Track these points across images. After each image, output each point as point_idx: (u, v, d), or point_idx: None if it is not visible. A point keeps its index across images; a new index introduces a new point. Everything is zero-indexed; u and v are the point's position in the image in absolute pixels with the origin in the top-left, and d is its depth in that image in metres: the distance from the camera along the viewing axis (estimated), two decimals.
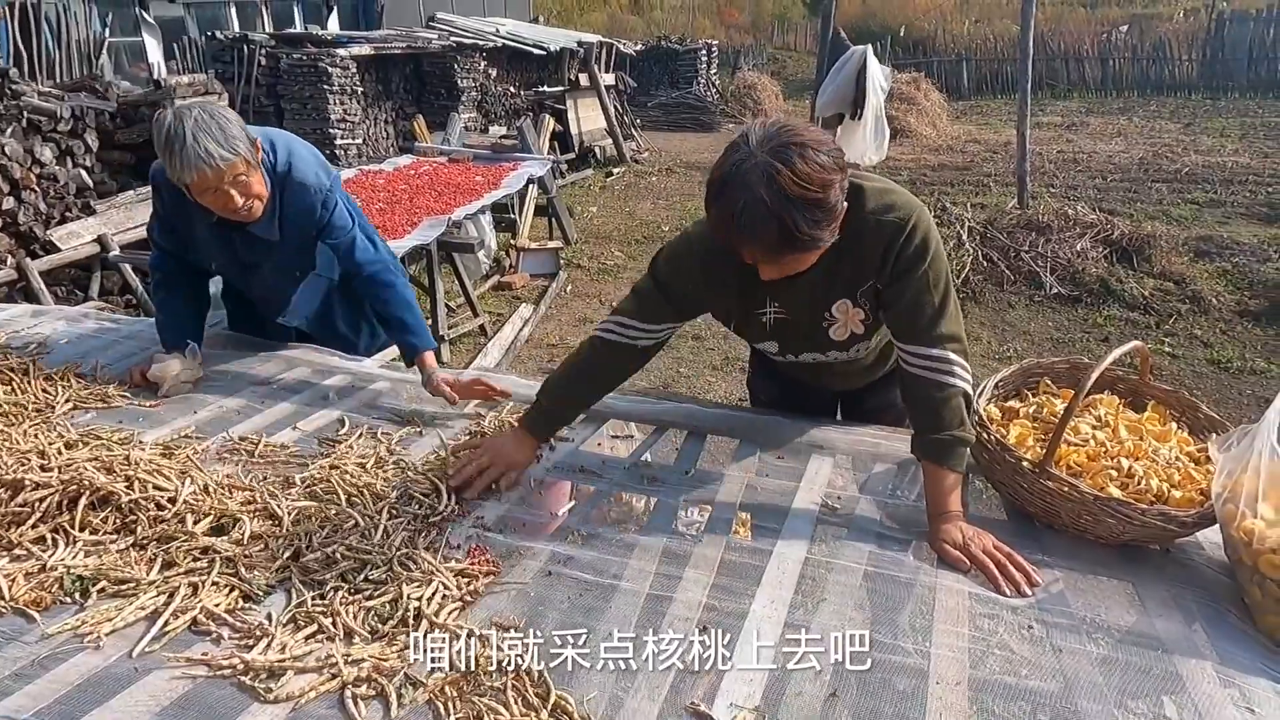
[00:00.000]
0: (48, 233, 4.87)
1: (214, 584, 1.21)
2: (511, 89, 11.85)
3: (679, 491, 1.56)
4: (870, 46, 11.02)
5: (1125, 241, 6.26)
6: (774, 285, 1.48)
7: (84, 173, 5.32)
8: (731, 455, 1.75)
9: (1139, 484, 1.38)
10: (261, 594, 1.22)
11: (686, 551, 1.34)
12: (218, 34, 9.05)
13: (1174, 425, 1.55)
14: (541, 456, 1.68)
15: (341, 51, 8.70)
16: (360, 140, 9.04)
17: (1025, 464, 1.39)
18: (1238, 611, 1.24)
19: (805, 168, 1.25)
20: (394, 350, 2.17)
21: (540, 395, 1.67)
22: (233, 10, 11.33)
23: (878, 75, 10.61)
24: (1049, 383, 1.68)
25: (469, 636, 1.12)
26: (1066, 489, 1.34)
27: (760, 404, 2.06)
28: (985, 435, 1.46)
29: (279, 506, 1.40)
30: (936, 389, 1.45)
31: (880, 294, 1.51)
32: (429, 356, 1.95)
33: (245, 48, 8.62)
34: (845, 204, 1.34)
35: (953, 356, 1.46)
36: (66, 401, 1.80)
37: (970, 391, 1.47)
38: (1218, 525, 1.27)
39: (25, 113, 4.93)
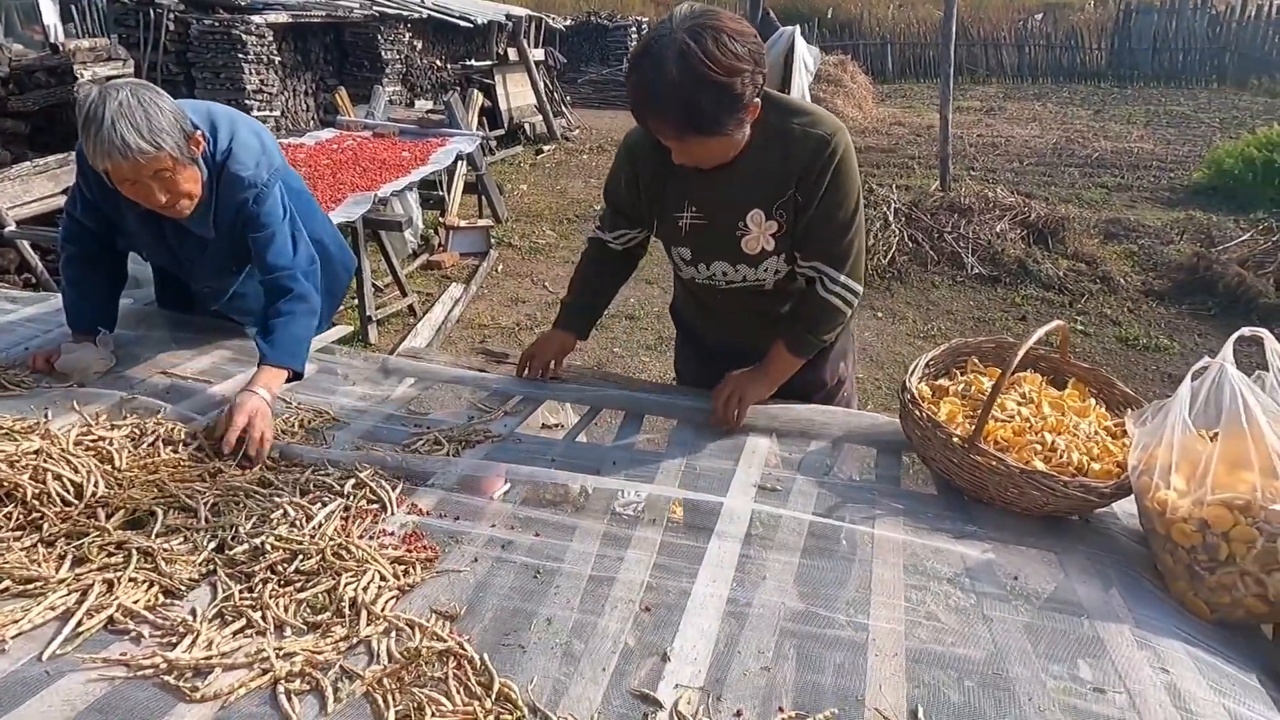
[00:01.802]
0: None
1: (131, 580, 1.15)
2: (438, 62, 11.55)
3: (617, 472, 1.55)
4: (798, 27, 11.12)
5: (1041, 224, 6.50)
6: (692, 188, 1.59)
7: None
8: (667, 436, 1.75)
9: (1061, 458, 1.44)
10: (184, 589, 1.16)
11: (626, 534, 1.34)
12: None
13: (1093, 401, 1.62)
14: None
15: (257, 18, 8.32)
16: (279, 113, 8.69)
17: (955, 440, 1.43)
18: (1152, 578, 1.30)
19: (716, 50, 1.32)
20: (332, 334, 2.07)
21: (562, 300, 1.95)
22: None
23: (805, 56, 10.72)
24: (976, 361, 1.73)
25: (407, 626, 1.09)
26: (994, 463, 1.39)
27: (686, 383, 2.07)
28: (917, 413, 1.50)
29: (196, 500, 1.33)
30: (824, 302, 1.64)
31: (798, 204, 1.57)
32: (271, 373, 1.68)
33: (151, 11, 8.15)
34: (758, 101, 1.42)
35: (849, 283, 1.63)
36: None
37: (845, 311, 1.66)
38: (1133, 496, 1.33)
39: None
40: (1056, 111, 14.39)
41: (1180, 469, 1.24)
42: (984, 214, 6.62)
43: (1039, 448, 1.45)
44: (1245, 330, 1.26)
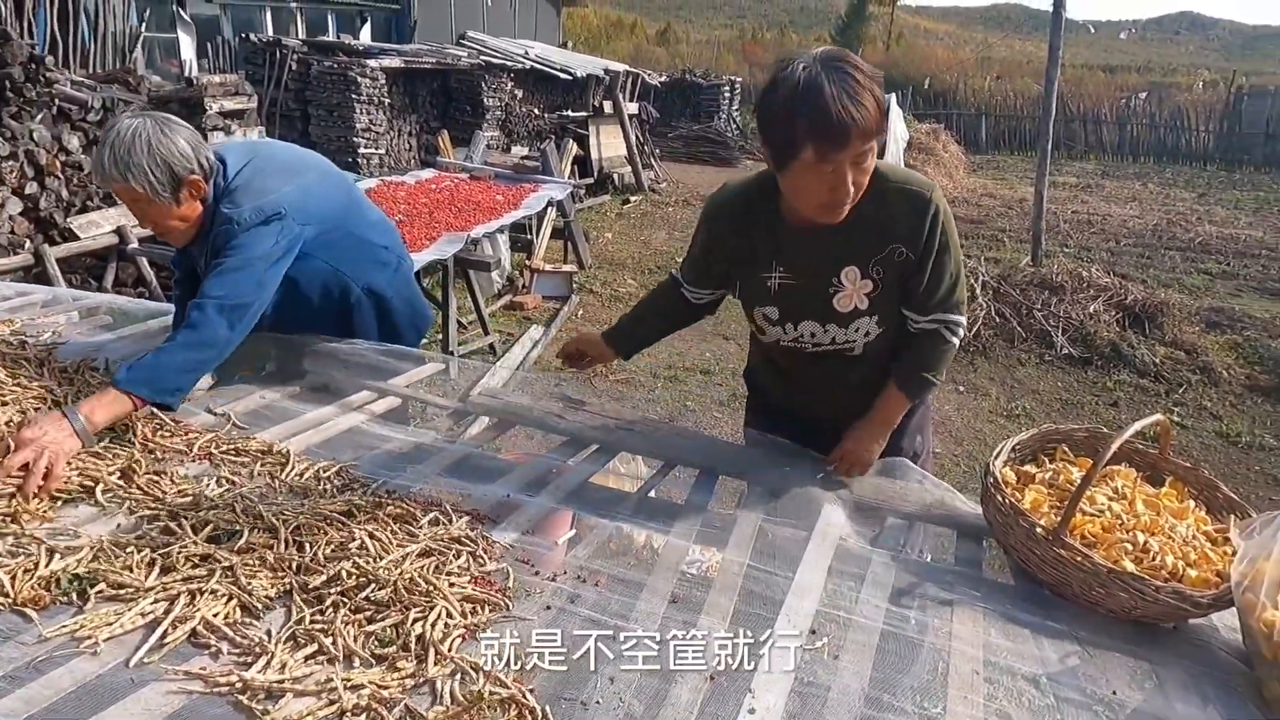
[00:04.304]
0: (68, 220, 4.89)
1: (212, 593, 1.20)
2: (536, 111, 11.97)
3: (688, 532, 1.54)
4: (893, 95, 11.15)
5: (1138, 307, 6.27)
6: (781, 248, 1.61)
7: None
8: (740, 496, 1.73)
9: (1154, 560, 1.36)
10: (261, 607, 1.20)
11: (697, 598, 1.32)
12: (251, 36, 9.18)
13: (1192, 503, 1.53)
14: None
15: (372, 62, 8.82)
16: (383, 151, 9.12)
17: (1039, 530, 1.37)
18: (1257, 702, 1.21)
19: (865, 71, 1.37)
20: (423, 371, 2.13)
21: (624, 315, 2.00)
22: (267, 14, 11.49)
23: (898, 125, 10.71)
24: (1067, 450, 1.67)
25: (473, 669, 1.10)
26: (1080, 559, 1.33)
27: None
28: (999, 499, 1.45)
29: (277, 519, 1.38)
30: (943, 341, 1.68)
31: (907, 262, 1.58)
32: (108, 397, 1.61)
33: (278, 51, 8.74)
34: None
35: (963, 319, 1.69)
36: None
37: (956, 348, 1.72)
38: (1236, 613, 1.25)
39: (57, 100, 4.98)
40: (1158, 192, 13.95)
41: None
42: (1077, 293, 6.42)
43: (1130, 547, 1.37)
44: None
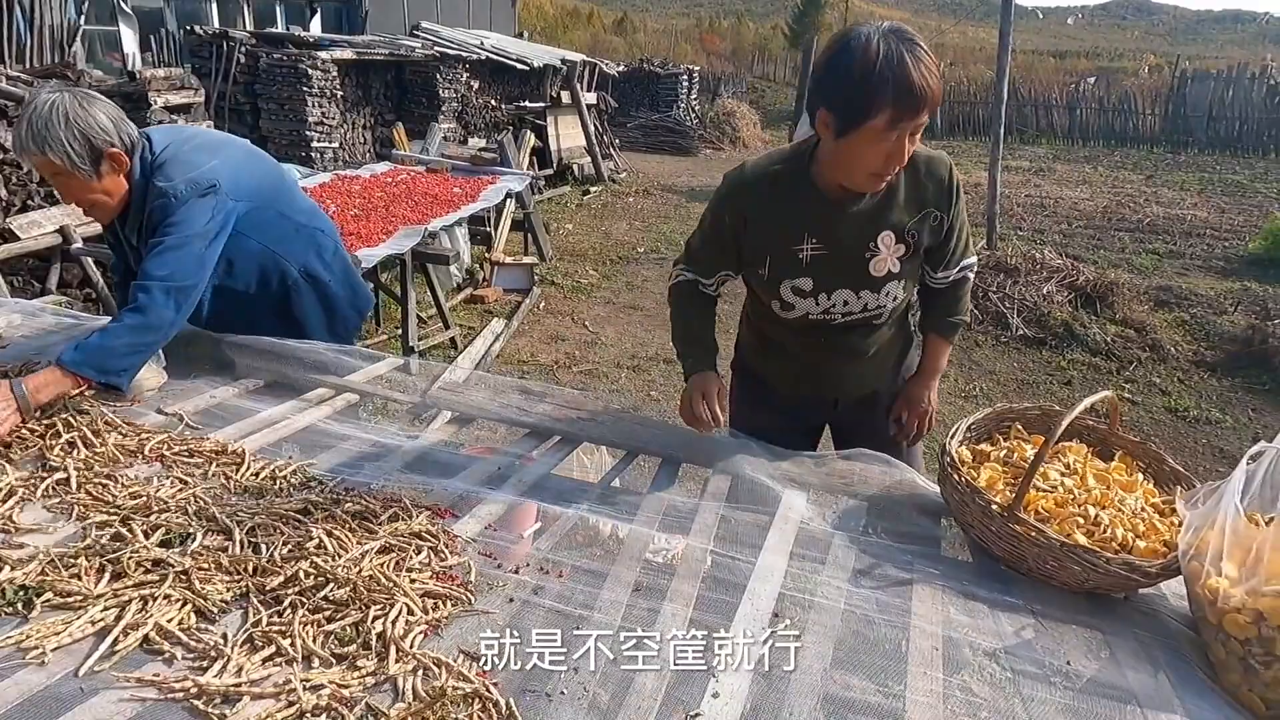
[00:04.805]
0: (7, 220, 4.73)
1: (166, 597, 1.17)
2: (493, 102, 11.85)
3: (651, 520, 1.54)
4: None
5: (1089, 287, 6.41)
6: (809, 220, 1.67)
7: None
8: (703, 484, 1.74)
9: (1104, 532, 1.40)
10: (216, 610, 1.17)
11: (660, 586, 1.32)
12: (197, 28, 8.93)
13: (1140, 476, 1.58)
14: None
15: (323, 54, 8.64)
16: (337, 144, 8.96)
17: (994, 508, 1.40)
18: (1203, 666, 1.25)
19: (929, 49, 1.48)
20: (381, 367, 2.11)
21: (682, 352, 1.89)
22: (213, 6, 11.19)
23: None
24: (1020, 428, 1.70)
25: (434, 665, 1.09)
26: (1034, 534, 1.36)
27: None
28: (956, 478, 1.47)
29: (231, 520, 1.35)
30: (962, 285, 1.88)
31: (939, 225, 1.73)
32: (51, 374, 1.65)
33: (225, 44, 8.52)
34: None
35: (975, 259, 1.88)
36: None
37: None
38: (1183, 581, 1.28)
39: None
40: (1107, 175, 14.27)
41: (1232, 556, 1.20)
42: (1031, 275, 6.55)
43: (1081, 521, 1.41)
44: None
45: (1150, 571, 1.32)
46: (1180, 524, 1.32)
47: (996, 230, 8.09)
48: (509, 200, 6.61)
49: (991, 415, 1.71)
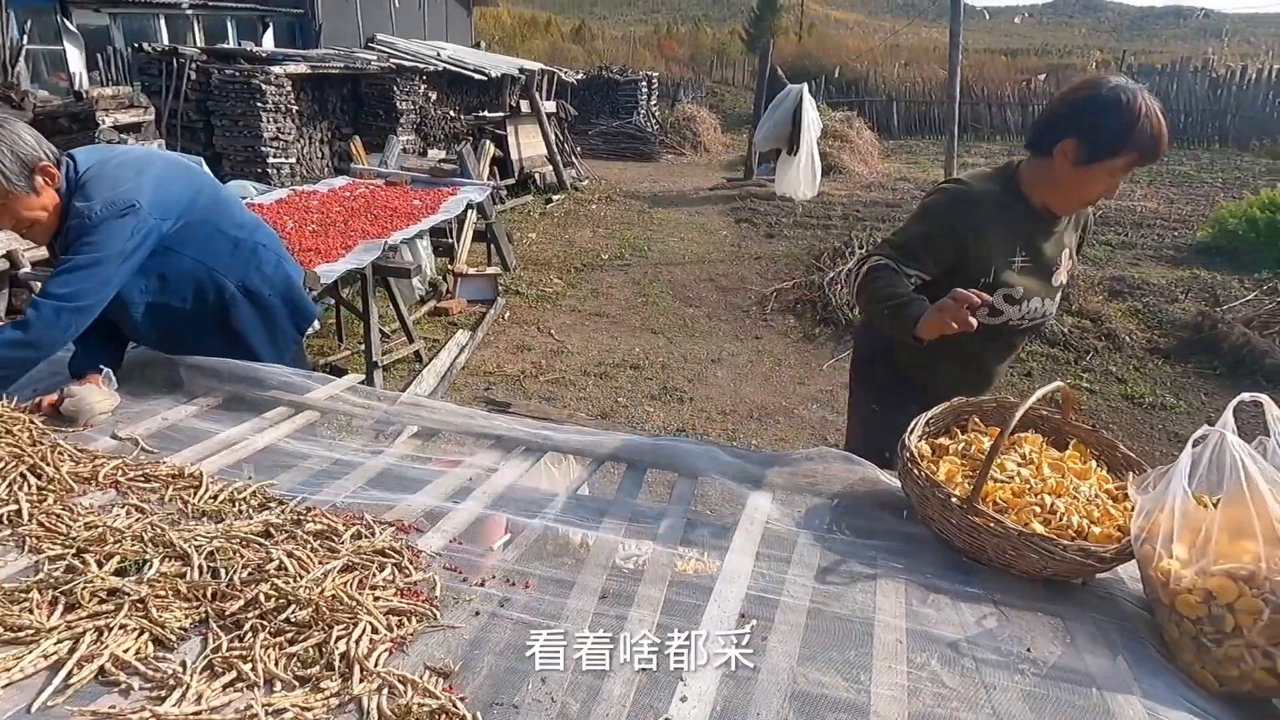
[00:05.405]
0: None
1: (122, 627, 1.14)
2: (451, 113, 11.79)
3: (618, 527, 1.54)
4: (806, 85, 11.35)
5: None
6: (1021, 235, 1.93)
7: None
8: (670, 488, 1.74)
9: (1061, 520, 1.43)
10: (174, 638, 1.15)
11: (628, 591, 1.33)
12: (145, 46, 8.77)
13: (1094, 463, 1.61)
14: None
15: (276, 69, 8.54)
16: (294, 160, 8.85)
17: (953, 500, 1.42)
18: (1158, 646, 1.28)
19: None
20: (341, 384, 2.09)
21: (892, 311, 1.81)
22: (162, 22, 11.02)
23: (812, 113, 10.91)
24: (977, 420, 1.73)
25: (400, 682, 1.08)
26: (992, 524, 1.38)
27: (860, 451, 1.95)
28: (915, 472, 1.50)
29: (189, 545, 1.33)
30: None
31: (1081, 246, 2.11)
32: None
33: (175, 61, 8.38)
34: None
35: None
36: None
37: None
38: (1137, 564, 1.32)
39: None
40: None
41: (1182, 538, 1.23)
42: None
43: (1038, 510, 1.44)
44: (1245, 396, 1.26)
45: (1105, 557, 1.35)
46: (1133, 509, 1.35)
47: None
48: (470, 211, 6.58)
49: (949, 409, 1.74)
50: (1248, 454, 1.19)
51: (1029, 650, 1.24)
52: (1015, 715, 1.11)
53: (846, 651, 1.22)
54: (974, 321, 1.60)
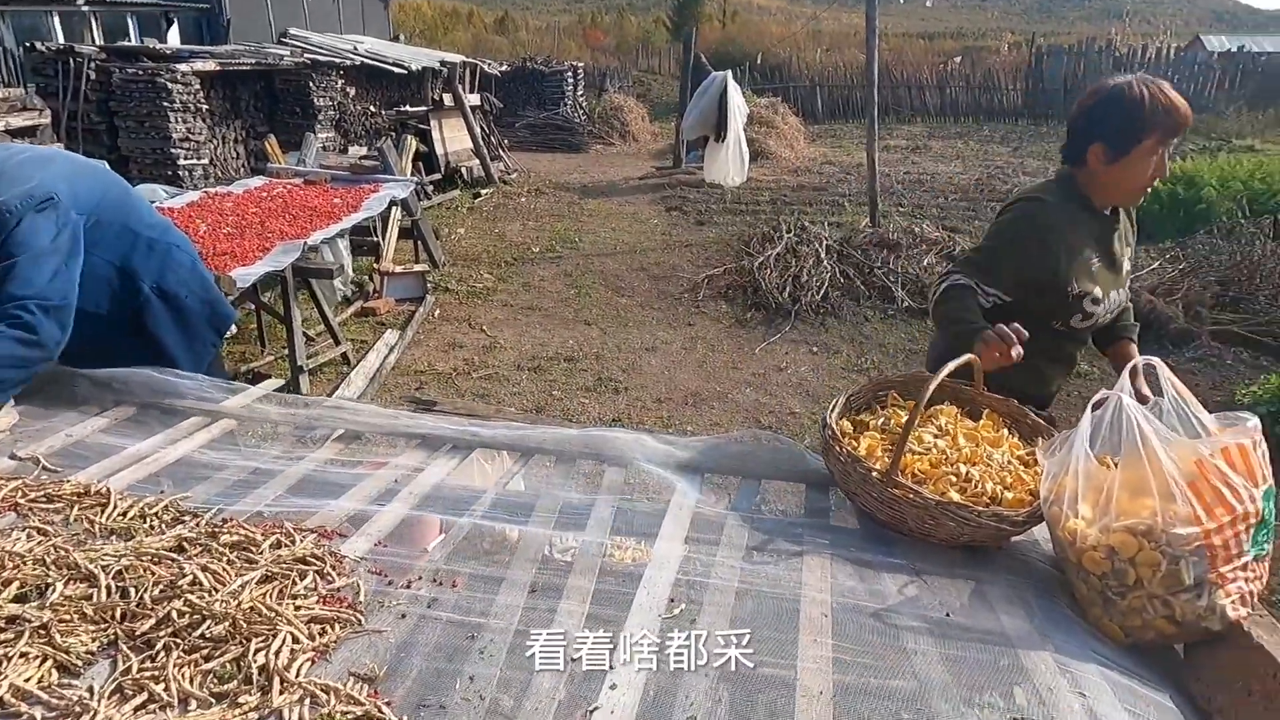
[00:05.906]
0: None
1: (22, 656, 1.09)
2: (371, 108, 11.52)
3: (548, 520, 1.53)
4: (730, 72, 11.43)
5: None
6: (1090, 239, 1.98)
7: None
8: (599, 479, 1.74)
9: (976, 488, 1.48)
10: (81, 664, 1.10)
11: (557, 584, 1.32)
12: (38, 45, 8.31)
13: (1006, 431, 1.67)
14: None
15: (182, 66, 8.19)
16: (207, 160, 8.53)
17: (874, 474, 1.46)
18: (1069, 604, 1.34)
19: None
20: (262, 388, 2.02)
21: (963, 327, 1.84)
22: (56, 19, 10.45)
23: (737, 98, 11.00)
24: (897, 396, 1.78)
25: (322, 691, 1.05)
26: (911, 495, 1.42)
27: None
28: (837, 449, 1.53)
29: (95, 565, 1.27)
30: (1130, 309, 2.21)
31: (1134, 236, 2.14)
32: None
33: (71, 60, 7.96)
34: None
35: None
36: None
37: None
38: (1046, 526, 1.37)
39: None
40: (978, 149, 15.04)
41: (1086, 498, 1.28)
42: (912, 249, 6.84)
43: (954, 479, 1.48)
44: (1139, 361, 1.32)
45: (1018, 521, 1.40)
46: (1042, 473, 1.40)
47: (879, 208, 8.40)
48: (394, 208, 6.44)
49: (869, 386, 1.78)
50: (1143, 415, 1.25)
51: (948, 615, 1.28)
52: (935, 678, 1.14)
53: (773, 630, 1.24)
54: (1017, 353, 1.64)
